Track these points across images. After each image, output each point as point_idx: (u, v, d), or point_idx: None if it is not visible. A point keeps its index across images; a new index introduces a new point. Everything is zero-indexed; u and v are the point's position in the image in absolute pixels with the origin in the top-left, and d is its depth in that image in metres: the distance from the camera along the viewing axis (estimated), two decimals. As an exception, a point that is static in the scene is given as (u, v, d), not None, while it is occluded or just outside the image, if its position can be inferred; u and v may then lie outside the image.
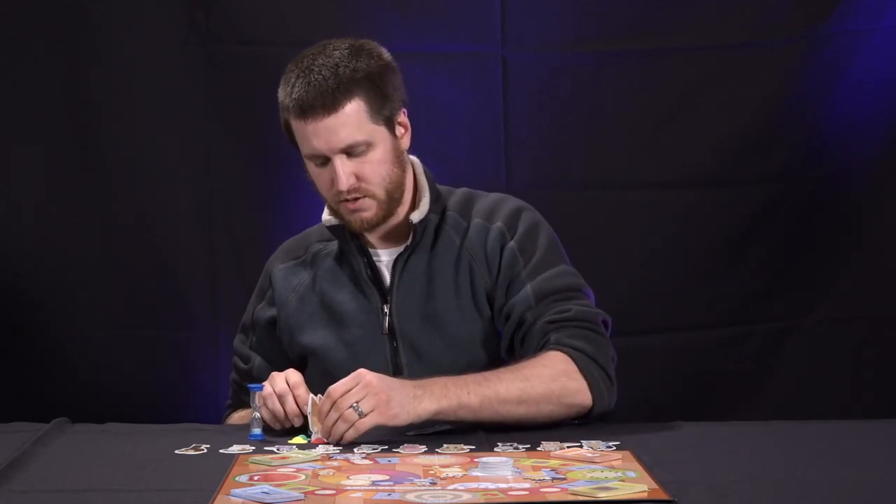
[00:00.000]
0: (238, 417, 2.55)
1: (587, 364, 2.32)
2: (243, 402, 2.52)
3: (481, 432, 2.22)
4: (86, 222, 3.34)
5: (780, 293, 3.40)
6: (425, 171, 2.52)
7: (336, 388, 2.18)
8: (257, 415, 2.23)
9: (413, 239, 2.46)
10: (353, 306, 2.47)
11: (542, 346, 2.35)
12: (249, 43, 3.31)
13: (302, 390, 2.25)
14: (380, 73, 2.40)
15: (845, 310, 3.40)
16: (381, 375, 2.21)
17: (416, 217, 2.46)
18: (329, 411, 2.16)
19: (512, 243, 2.45)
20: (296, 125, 2.40)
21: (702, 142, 3.36)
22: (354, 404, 2.15)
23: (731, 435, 2.24)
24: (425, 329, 2.44)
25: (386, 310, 2.46)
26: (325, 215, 2.51)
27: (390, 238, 2.49)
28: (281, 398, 2.25)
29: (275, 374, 2.29)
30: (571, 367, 2.31)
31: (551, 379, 2.29)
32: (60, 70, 3.31)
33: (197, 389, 3.29)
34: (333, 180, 2.39)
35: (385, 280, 2.47)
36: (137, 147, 3.33)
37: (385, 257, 2.49)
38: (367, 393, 2.16)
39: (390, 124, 2.42)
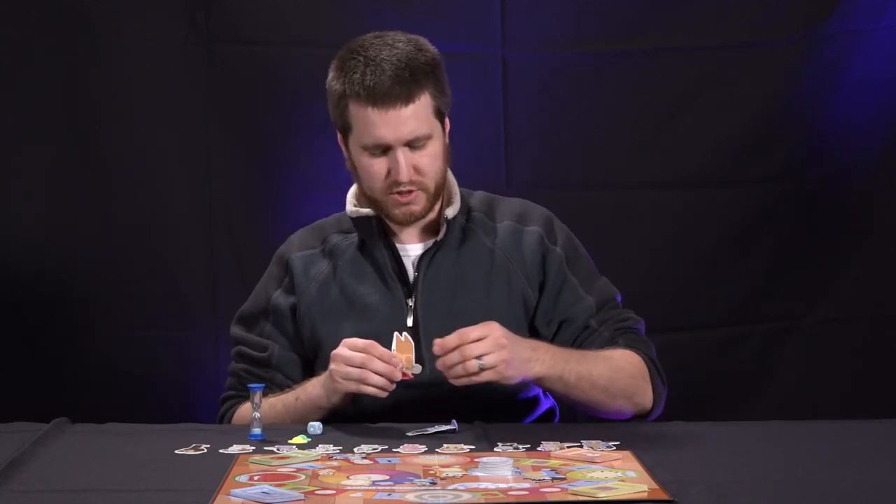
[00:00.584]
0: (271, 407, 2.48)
1: (653, 370, 2.46)
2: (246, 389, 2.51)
3: (482, 432, 2.23)
4: (86, 222, 3.34)
5: (780, 293, 3.40)
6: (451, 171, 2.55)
7: (468, 332, 2.24)
8: (257, 415, 2.23)
9: (445, 235, 2.48)
10: (377, 299, 2.48)
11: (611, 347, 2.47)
12: (249, 43, 3.31)
13: (378, 348, 2.27)
14: (440, 69, 2.46)
15: (845, 310, 3.40)
16: (507, 332, 2.28)
17: (450, 213, 2.49)
18: (452, 350, 2.22)
19: (559, 250, 2.52)
20: (360, 112, 2.40)
21: (702, 142, 3.36)
22: (478, 361, 2.22)
23: (731, 435, 2.24)
24: (450, 325, 2.42)
25: (410, 304, 2.46)
26: (350, 206, 2.52)
27: (416, 233, 2.51)
28: (366, 366, 2.25)
29: (337, 353, 2.29)
30: (644, 371, 2.45)
31: (631, 376, 2.43)
32: (60, 70, 3.31)
33: (197, 389, 3.29)
34: (391, 170, 2.41)
35: (409, 274, 2.49)
36: (137, 147, 3.32)
37: (411, 252, 2.50)
38: (495, 350, 2.23)
39: (443, 120, 2.47)
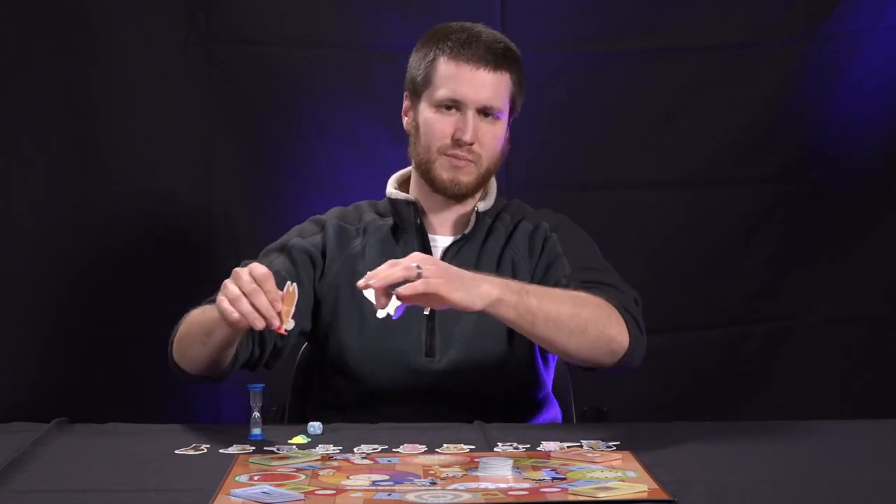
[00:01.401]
0: (197, 312, 2.43)
1: (622, 310, 2.31)
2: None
3: (481, 432, 2.23)
4: (86, 223, 3.33)
5: (780, 293, 3.40)
6: None
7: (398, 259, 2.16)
8: (257, 414, 2.23)
9: (473, 228, 2.52)
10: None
11: None
12: (249, 43, 3.31)
13: (271, 284, 2.15)
14: (522, 67, 2.55)
15: (845, 310, 3.40)
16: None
17: (482, 206, 2.55)
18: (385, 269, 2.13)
19: (554, 235, 2.54)
20: (448, 67, 2.48)
21: (702, 142, 3.36)
22: (415, 265, 2.12)
23: (731, 435, 2.24)
24: (468, 318, 2.45)
25: None
26: (391, 188, 2.58)
27: (449, 225, 2.56)
28: (250, 296, 2.14)
29: (237, 270, 2.17)
30: (610, 309, 2.30)
31: (597, 306, 2.28)
32: (60, 70, 3.30)
33: (197, 389, 3.28)
34: (457, 129, 2.47)
35: None
36: (137, 147, 3.32)
37: (440, 243, 2.54)
38: (431, 263, 2.13)
39: (513, 113, 2.55)
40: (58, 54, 3.30)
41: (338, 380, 2.52)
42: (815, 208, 3.38)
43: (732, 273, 3.39)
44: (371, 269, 2.44)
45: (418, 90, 2.52)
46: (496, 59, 2.48)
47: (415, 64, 2.55)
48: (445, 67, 2.49)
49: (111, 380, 3.35)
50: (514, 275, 2.49)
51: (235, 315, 2.14)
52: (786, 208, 3.38)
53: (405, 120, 2.58)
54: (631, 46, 3.34)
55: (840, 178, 3.37)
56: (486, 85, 2.47)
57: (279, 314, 2.14)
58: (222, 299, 2.16)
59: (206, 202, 3.34)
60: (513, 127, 3.18)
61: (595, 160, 3.37)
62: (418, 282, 2.10)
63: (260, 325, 2.14)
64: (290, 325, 2.16)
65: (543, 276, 2.50)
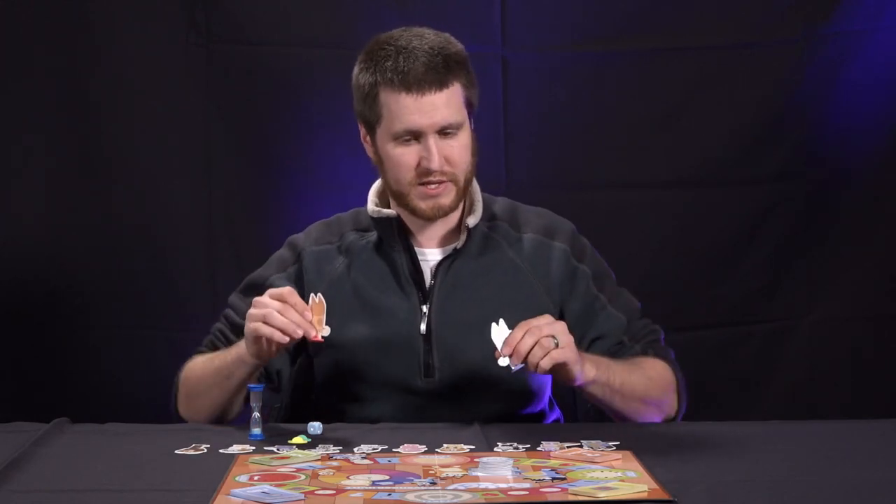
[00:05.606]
0: (202, 361, 2.47)
1: (680, 382, 2.47)
2: (217, 349, 2.49)
3: (481, 432, 2.23)
4: (86, 223, 3.34)
5: (780, 293, 3.40)
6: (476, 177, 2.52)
7: (531, 320, 2.21)
8: (257, 414, 2.23)
9: (465, 243, 2.45)
10: (391, 302, 2.44)
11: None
12: (249, 43, 3.31)
13: (296, 297, 2.23)
14: (469, 63, 2.44)
15: (845, 310, 3.40)
16: None
17: (471, 221, 2.45)
18: (523, 338, 2.18)
19: (586, 268, 2.51)
20: (393, 98, 2.37)
21: (702, 142, 3.36)
22: (552, 336, 2.20)
23: (731, 435, 2.24)
24: (464, 335, 2.42)
25: (425, 310, 2.44)
26: (371, 206, 2.48)
27: (437, 238, 2.48)
28: (281, 311, 2.20)
29: (257, 298, 2.24)
30: (673, 382, 2.46)
31: (662, 387, 2.44)
32: (60, 70, 3.31)
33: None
34: (422, 160, 2.38)
35: (426, 280, 2.45)
36: (137, 147, 3.33)
37: (430, 257, 2.47)
38: (562, 331, 2.22)
39: (472, 113, 2.44)
40: (58, 54, 3.30)
41: (334, 399, 2.49)
42: (815, 208, 3.38)
43: (732, 273, 3.39)
44: (357, 293, 2.45)
45: (370, 122, 2.42)
46: (439, 76, 2.36)
47: (358, 92, 2.42)
48: (390, 99, 2.37)
49: (110, 380, 3.35)
50: (529, 294, 2.45)
51: (267, 330, 2.20)
52: (786, 208, 3.38)
53: (366, 146, 2.47)
54: (631, 46, 3.34)
55: (840, 178, 3.37)
56: (438, 106, 2.36)
57: (311, 323, 2.22)
58: (252, 322, 2.22)
59: (205, 202, 3.35)
60: (512, 127, 3.18)
61: (595, 160, 3.37)
62: (557, 352, 2.19)
63: (298, 333, 2.20)
64: (325, 331, 2.24)
65: (586, 318, 2.46)
